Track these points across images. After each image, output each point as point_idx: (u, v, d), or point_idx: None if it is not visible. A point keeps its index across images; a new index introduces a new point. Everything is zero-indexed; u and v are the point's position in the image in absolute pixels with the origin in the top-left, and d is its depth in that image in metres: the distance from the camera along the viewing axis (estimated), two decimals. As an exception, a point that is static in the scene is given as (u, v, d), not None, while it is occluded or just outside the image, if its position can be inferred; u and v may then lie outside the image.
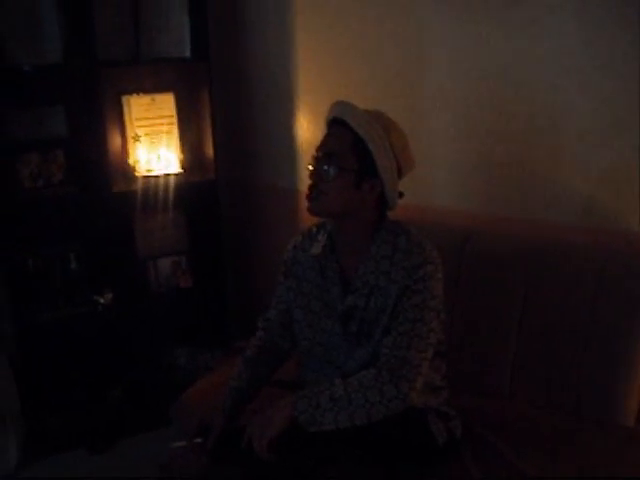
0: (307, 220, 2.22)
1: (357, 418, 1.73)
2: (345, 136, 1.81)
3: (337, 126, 1.84)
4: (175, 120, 3.26)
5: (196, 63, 3.09)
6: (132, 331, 3.29)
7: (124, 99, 3.19)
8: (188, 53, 3.07)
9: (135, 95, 3.20)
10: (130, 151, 3.22)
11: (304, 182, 2.76)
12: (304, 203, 1.88)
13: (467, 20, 2.28)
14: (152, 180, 3.20)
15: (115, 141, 3.22)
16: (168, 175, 3.21)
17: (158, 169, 3.22)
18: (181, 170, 3.23)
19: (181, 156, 3.25)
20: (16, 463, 2.95)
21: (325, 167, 1.82)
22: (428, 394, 1.90)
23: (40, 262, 3.14)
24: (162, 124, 3.24)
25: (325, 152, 1.84)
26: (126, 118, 3.20)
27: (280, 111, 3.00)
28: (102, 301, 3.19)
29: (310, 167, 1.87)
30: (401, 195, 1.88)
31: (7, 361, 3.02)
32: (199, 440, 2.02)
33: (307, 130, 2.89)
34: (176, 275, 3.34)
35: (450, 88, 2.41)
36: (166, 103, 3.24)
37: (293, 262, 2.05)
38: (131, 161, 3.22)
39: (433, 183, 2.44)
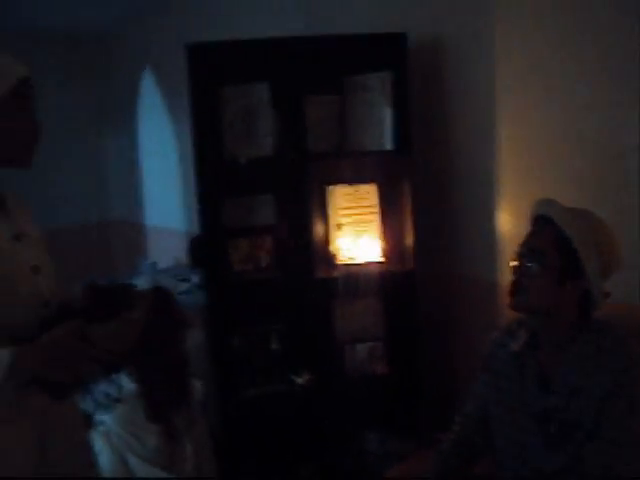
0: (506, 314, 2.21)
1: None
2: (550, 234, 1.82)
3: (542, 223, 1.86)
4: (377, 210, 3.35)
5: (398, 156, 3.18)
6: (326, 412, 3.37)
7: (328, 189, 3.33)
8: (390, 146, 3.17)
9: (339, 185, 3.34)
10: (333, 239, 3.34)
11: (503, 276, 2.76)
12: (503, 297, 1.89)
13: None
14: (353, 267, 3.29)
15: (319, 229, 3.36)
16: (368, 263, 3.29)
17: (359, 257, 3.31)
18: (381, 259, 3.30)
19: (382, 245, 3.32)
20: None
21: (528, 264, 1.83)
22: None
23: (244, 340, 3.32)
24: (364, 214, 3.35)
25: (529, 248, 1.85)
26: (330, 207, 3.34)
27: (480, 204, 3.02)
28: (299, 381, 3.30)
29: (513, 263, 1.88)
30: (607, 295, 1.84)
31: (209, 435, 3.19)
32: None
33: (507, 224, 2.89)
34: (372, 361, 3.39)
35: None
36: (368, 193, 3.35)
37: (492, 357, 2.05)
38: (333, 248, 3.33)
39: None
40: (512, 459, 1.96)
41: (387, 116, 3.17)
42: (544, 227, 1.85)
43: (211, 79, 3.13)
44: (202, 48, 3.06)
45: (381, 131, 3.19)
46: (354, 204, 3.35)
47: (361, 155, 3.30)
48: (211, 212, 3.21)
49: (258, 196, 3.36)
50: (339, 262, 3.32)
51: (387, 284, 3.33)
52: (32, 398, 1.71)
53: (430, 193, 3.28)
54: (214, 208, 3.26)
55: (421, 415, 3.23)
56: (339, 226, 3.33)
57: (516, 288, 1.87)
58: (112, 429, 2.99)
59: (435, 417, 3.03)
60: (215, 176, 3.19)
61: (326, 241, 3.37)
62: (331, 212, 3.35)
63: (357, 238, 3.33)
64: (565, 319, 1.86)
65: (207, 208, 3.17)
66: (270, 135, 3.19)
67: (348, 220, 3.34)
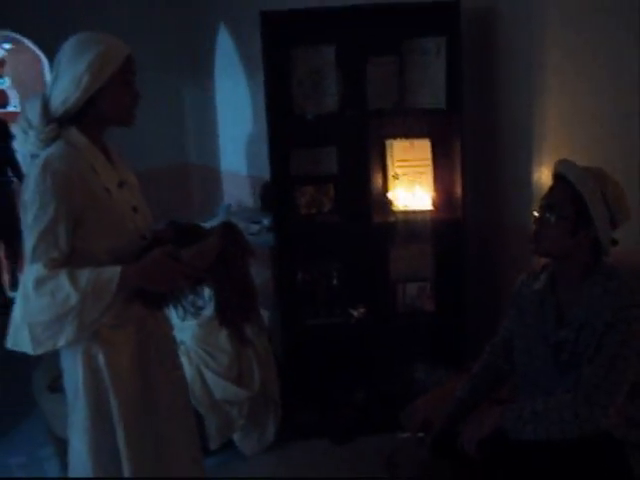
0: (539, 259, 2.50)
1: (552, 433, 2.00)
2: (566, 190, 2.10)
3: (560, 180, 2.15)
4: (430, 163, 3.65)
5: (450, 114, 3.47)
6: (379, 343, 3.76)
7: (387, 143, 3.66)
8: (443, 105, 3.46)
9: (397, 140, 3.66)
10: (389, 188, 3.67)
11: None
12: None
13: None
14: (407, 214, 3.61)
15: (377, 179, 3.71)
16: (421, 211, 3.60)
17: (412, 205, 3.62)
18: (432, 207, 3.61)
19: (433, 195, 3.62)
20: (270, 442, 3.52)
21: (547, 215, 2.13)
22: (628, 428, 2.10)
23: (308, 276, 3.71)
24: (419, 166, 3.65)
25: (548, 202, 2.15)
26: (388, 159, 3.67)
27: (522, 160, 3.26)
28: (356, 314, 3.68)
29: (535, 214, 2.20)
30: (615, 243, 2.14)
31: (273, 357, 3.61)
32: (421, 435, 2.40)
33: (544, 178, 3.14)
34: (421, 299, 3.73)
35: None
36: (423, 147, 3.65)
37: (518, 295, 2.36)
38: (390, 197, 3.66)
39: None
40: (529, 384, 2.28)
41: (441, 77, 3.46)
42: (561, 184, 2.14)
43: (282, 42, 3.47)
44: (275, 14, 3.39)
45: (435, 91, 3.49)
46: (410, 157, 3.66)
47: (417, 112, 3.59)
48: (280, 161, 3.58)
49: (323, 148, 3.72)
50: (394, 209, 3.64)
51: (437, 230, 3.66)
52: (134, 309, 2.15)
53: (478, 147, 3.54)
54: (283, 158, 3.63)
55: (464, 347, 3.54)
56: (395, 176, 3.66)
57: (537, 236, 2.19)
58: (191, 348, 3.45)
59: (477, 349, 3.36)
60: (285, 129, 3.56)
61: (383, 190, 3.71)
62: (389, 164, 3.67)
63: (411, 188, 3.64)
64: (578, 263, 2.14)
65: (277, 158, 3.54)
66: (335, 93, 3.52)
67: (404, 171, 3.66)
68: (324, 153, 3.72)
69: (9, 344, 2.05)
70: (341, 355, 3.72)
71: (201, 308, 2.30)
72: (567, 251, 2.13)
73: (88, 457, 2.14)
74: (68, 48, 2.07)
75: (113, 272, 1.99)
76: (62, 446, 2.58)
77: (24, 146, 2.10)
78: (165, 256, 2.06)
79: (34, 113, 2.06)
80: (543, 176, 3.16)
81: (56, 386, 3.02)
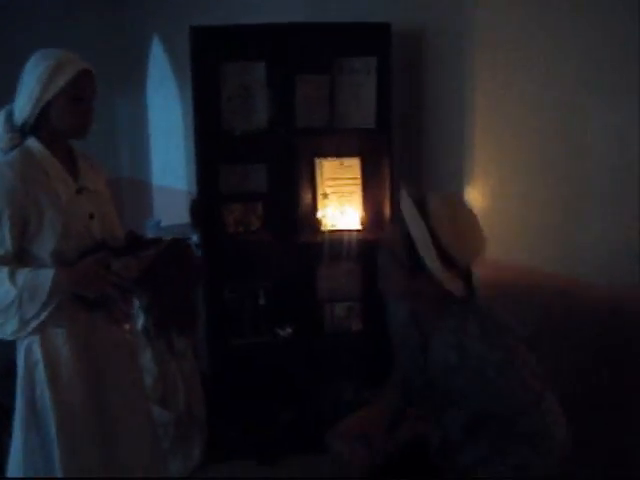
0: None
1: None
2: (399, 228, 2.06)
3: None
4: (359, 182, 3.66)
5: (379, 133, 3.48)
6: (306, 363, 3.73)
7: (317, 161, 3.65)
8: (373, 125, 3.49)
9: (327, 159, 3.66)
10: (319, 207, 3.66)
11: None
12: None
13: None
14: (335, 234, 3.61)
15: (306, 197, 3.70)
16: (349, 230, 3.61)
17: (341, 224, 3.63)
18: (360, 227, 3.62)
19: (362, 214, 3.63)
20: (197, 464, 3.45)
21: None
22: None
23: (235, 295, 3.68)
24: (348, 185, 3.66)
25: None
26: (318, 178, 3.66)
27: (450, 181, 3.29)
28: (282, 334, 3.65)
29: None
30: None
31: (199, 377, 3.55)
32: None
33: (474, 200, 3.18)
34: (349, 319, 3.73)
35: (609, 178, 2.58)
36: (353, 167, 3.66)
37: None
38: (319, 216, 3.65)
39: (583, 257, 2.63)
40: None
41: (371, 97, 3.48)
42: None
43: (213, 57, 3.44)
44: (205, 30, 3.36)
45: (365, 110, 3.51)
46: (339, 176, 3.67)
47: (347, 131, 3.60)
48: (209, 178, 3.54)
49: (252, 165, 3.69)
50: (323, 228, 3.63)
51: (365, 250, 3.64)
52: (80, 312, 2.30)
53: (408, 168, 3.56)
54: (211, 174, 3.59)
55: (392, 367, 3.56)
56: (325, 195, 3.65)
57: None
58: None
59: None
60: (213, 145, 3.52)
61: (313, 209, 3.69)
62: (318, 182, 3.67)
63: (340, 207, 3.65)
64: (434, 297, 2.06)
65: (205, 174, 3.49)
66: (264, 110, 3.50)
67: (333, 190, 3.66)
68: (253, 171, 3.69)
69: None
70: (268, 375, 3.68)
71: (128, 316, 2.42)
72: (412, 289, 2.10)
73: (21, 454, 2.28)
74: (29, 63, 2.24)
75: (47, 274, 2.17)
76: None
77: None
78: (94, 264, 2.22)
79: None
80: (471, 197, 3.19)
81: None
